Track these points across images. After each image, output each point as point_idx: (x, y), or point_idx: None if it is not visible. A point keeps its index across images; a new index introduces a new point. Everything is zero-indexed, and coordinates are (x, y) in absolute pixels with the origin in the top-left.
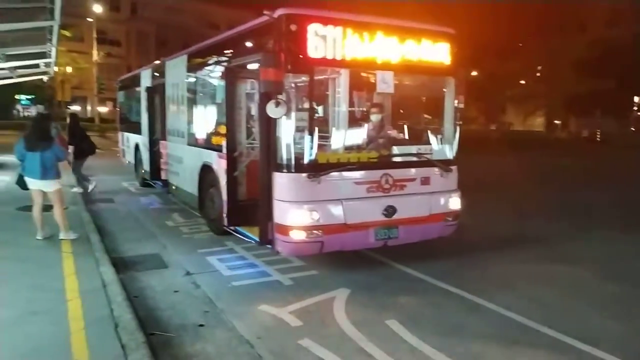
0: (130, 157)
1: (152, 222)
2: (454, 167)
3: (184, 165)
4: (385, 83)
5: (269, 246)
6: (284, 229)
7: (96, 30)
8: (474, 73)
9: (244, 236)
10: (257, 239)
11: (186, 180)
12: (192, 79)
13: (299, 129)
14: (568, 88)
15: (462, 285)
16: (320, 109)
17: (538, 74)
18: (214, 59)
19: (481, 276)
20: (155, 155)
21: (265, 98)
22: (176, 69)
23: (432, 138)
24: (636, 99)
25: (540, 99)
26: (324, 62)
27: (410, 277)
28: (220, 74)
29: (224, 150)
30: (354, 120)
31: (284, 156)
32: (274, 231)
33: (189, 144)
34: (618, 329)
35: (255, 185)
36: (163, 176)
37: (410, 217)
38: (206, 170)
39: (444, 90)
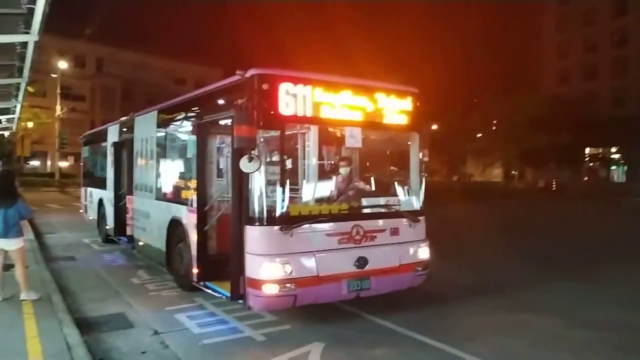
0: (93, 213)
1: (117, 280)
2: (421, 217)
3: (151, 220)
4: (354, 138)
5: (240, 301)
6: (256, 283)
7: (60, 85)
8: (435, 127)
9: (214, 291)
10: (228, 294)
11: (153, 236)
12: (162, 134)
13: (270, 182)
14: (524, 141)
15: (435, 335)
16: (290, 163)
17: (494, 128)
18: (185, 114)
19: (452, 326)
20: (120, 210)
21: (238, 153)
22: (146, 124)
23: (399, 189)
24: (587, 150)
25: (498, 151)
26: (294, 119)
27: (383, 329)
28: (190, 129)
29: (194, 204)
30: (324, 173)
31: (256, 209)
32: (245, 286)
33: (157, 199)
34: None
35: (225, 240)
36: (128, 232)
37: (382, 268)
38: (175, 225)
39: (409, 144)
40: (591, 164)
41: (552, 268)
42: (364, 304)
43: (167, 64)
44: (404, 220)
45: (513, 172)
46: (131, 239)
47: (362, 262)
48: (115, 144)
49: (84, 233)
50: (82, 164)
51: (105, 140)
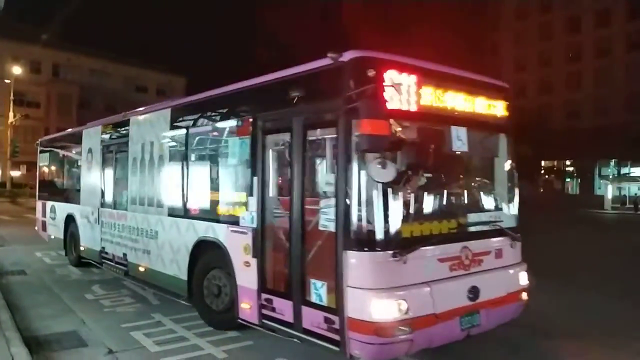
0: (56, 231)
1: (70, 295)
2: (518, 236)
3: (160, 242)
4: (460, 140)
5: (333, 347)
6: (363, 326)
7: (14, 91)
8: None
9: (282, 334)
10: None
11: (164, 261)
12: (180, 136)
13: (386, 195)
14: None
15: None
16: (400, 169)
17: None
18: (227, 111)
19: None
20: (107, 228)
21: (361, 158)
22: (149, 125)
23: (499, 203)
24: (543, 163)
25: None
26: (399, 115)
27: None
28: (237, 129)
29: (245, 221)
30: (433, 183)
31: (364, 229)
32: (345, 329)
33: (173, 215)
34: None
35: (282, 268)
36: (115, 254)
37: (492, 299)
38: (204, 248)
39: (502, 148)
40: (547, 177)
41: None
42: None
43: (127, 70)
44: (507, 239)
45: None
46: (123, 264)
47: (474, 292)
48: (96, 150)
49: (36, 246)
50: (38, 173)
51: (76, 145)
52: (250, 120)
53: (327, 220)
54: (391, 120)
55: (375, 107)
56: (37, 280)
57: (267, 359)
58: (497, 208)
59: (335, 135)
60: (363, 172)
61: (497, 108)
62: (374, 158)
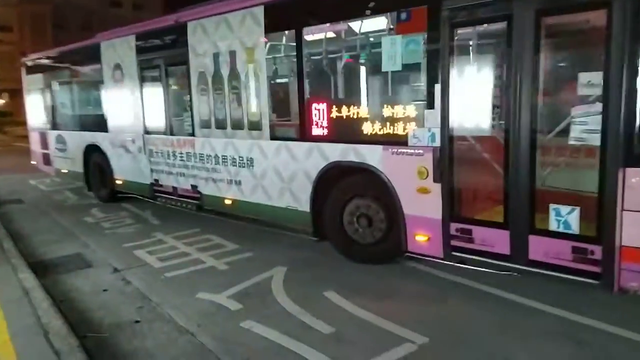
0: (70, 165)
1: (70, 220)
2: None
3: (256, 170)
4: None
5: (589, 280)
6: None
7: None
8: None
9: (487, 266)
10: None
11: (266, 191)
12: (289, 39)
13: None
14: None
15: None
16: None
17: None
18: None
19: None
20: (160, 158)
21: None
22: (229, 29)
23: None
24: None
25: None
26: None
27: None
28: (401, 22)
29: (419, 140)
30: None
31: None
32: (615, 259)
33: (278, 138)
34: None
35: (488, 194)
36: (181, 186)
37: None
38: (335, 175)
39: None
40: None
41: None
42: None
43: None
44: None
45: None
46: (194, 197)
47: None
48: (123, 67)
49: (30, 174)
50: (27, 99)
51: (89, 62)
52: (426, 10)
53: (586, 132)
54: None
55: None
56: (35, 208)
57: (266, 268)
58: None
59: (602, 21)
60: None
61: None
62: None
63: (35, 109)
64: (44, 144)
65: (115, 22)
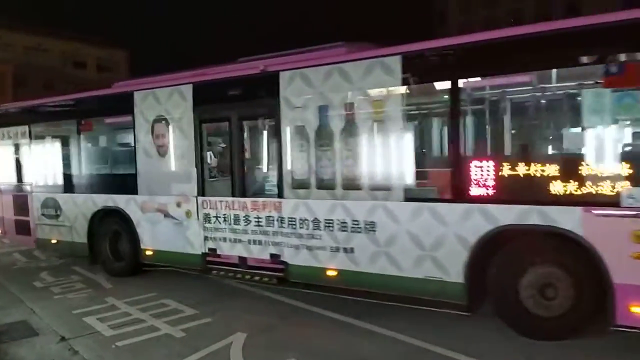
0: (67, 234)
1: (17, 284)
2: None
3: (380, 236)
4: None
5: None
6: None
7: None
8: None
9: None
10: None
11: (395, 260)
12: (436, 94)
13: None
14: None
15: (349, 313)
16: None
17: None
18: (581, 50)
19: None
20: (222, 224)
21: None
22: (331, 82)
23: None
24: None
25: None
26: None
27: (304, 312)
28: (609, 74)
29: (632, 200)
30: None
31: None
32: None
33: (414, 199)
34: None
35: None
36: (254, 256)
37: None
38: (501, 240)
39: None
40: None
41: None
42: (283, 290)
43: (65, 45)
44: None
45: None
46: (275, 269)
47: None
48: (171, 120)
49: None
50: (17, 156)
51: (109, 114)
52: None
53: None
54: None
55: None
56: None
57: (225, 334)
58: None
59: None
60: None
61: None
62: None
63: (5, 166)
64: (20, 209)
65: (78, 82)
